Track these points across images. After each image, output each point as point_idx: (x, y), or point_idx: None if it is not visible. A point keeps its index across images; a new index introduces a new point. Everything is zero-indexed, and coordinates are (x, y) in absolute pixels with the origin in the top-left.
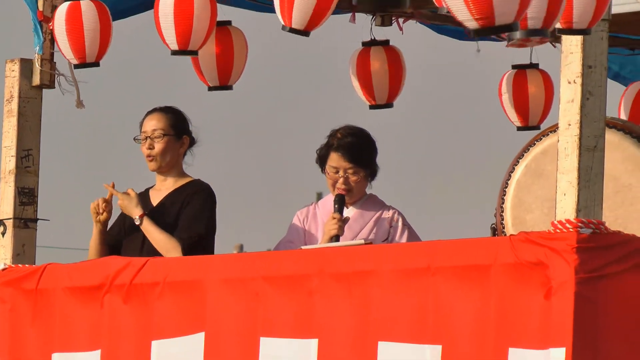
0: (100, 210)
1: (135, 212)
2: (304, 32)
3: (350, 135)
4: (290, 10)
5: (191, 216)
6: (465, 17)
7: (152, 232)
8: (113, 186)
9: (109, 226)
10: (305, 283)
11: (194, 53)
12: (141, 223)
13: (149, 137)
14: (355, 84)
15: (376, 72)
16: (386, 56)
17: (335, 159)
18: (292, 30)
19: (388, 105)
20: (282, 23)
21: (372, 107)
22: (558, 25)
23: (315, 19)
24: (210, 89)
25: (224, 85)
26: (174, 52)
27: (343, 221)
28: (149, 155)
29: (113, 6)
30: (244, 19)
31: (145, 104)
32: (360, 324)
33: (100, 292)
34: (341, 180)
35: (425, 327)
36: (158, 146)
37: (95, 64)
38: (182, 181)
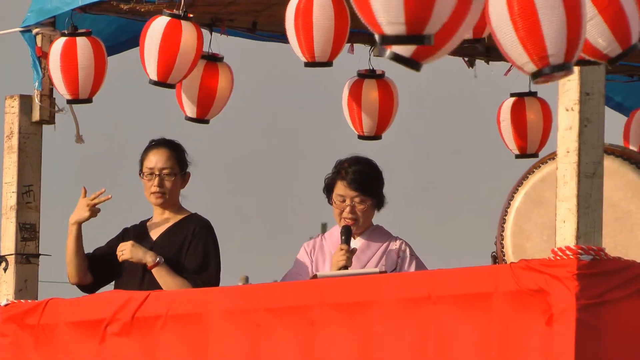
0: (95, 201)
1: (149, 257)
2: (327, 63)
3: (357, 164)
4: (310, 44)
5: (200, 259)
6: (524, 60)
7: (166, 278)
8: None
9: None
10: (307, 313)
11: (171, 87)
12: (155, 266)
13: (158, 174)
14: (346, 112)
15: (367, 104)
16: (378, 89)
17: (341, 188)
18: (315, 64)
19: (376, 137)
20: (303, 59)
21: (360, 137)
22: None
23: (335, 48)
24: (187, 119)
25: (200, 118)
26: (153, 83)
27: (351, 252)
28: (157, 192)
29: (108, 41)
30: (245, 48)
31: (145, 137)
32: (362, 353)
33: (102, 327)
34: (348, 209)
35: (426, 356)
36: (168, 184)
37: (88, 100)
38: (181, 215)
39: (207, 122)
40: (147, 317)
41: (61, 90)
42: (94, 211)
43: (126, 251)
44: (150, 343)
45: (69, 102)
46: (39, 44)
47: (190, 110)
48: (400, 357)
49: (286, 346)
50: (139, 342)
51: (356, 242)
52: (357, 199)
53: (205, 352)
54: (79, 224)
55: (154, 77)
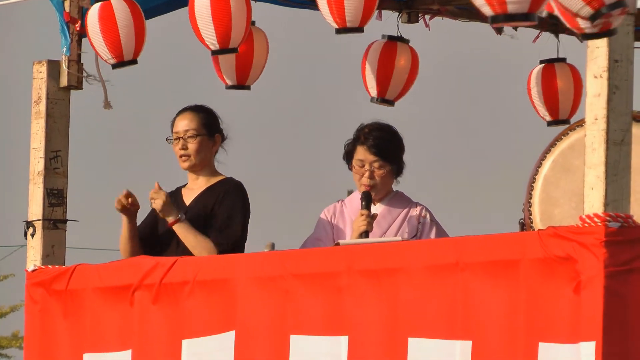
0: (128, 205)
1: (173, 216)
2: (358, 29)
3: (377, 129)
4: (341, 10)
5: (226, 217)
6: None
7: (186, 234)
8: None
9: (140, 220)
10: (335, 280)
11: (234, 51)
12: (175, 223)
13: (182, 137)
14: (370, 74)
15: (397, 68)
16: (411, 55)
17: (361, 153)
18: (347, 30)
19: (391, 102)
20: (335, 26)
21: (374, 100)
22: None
23: (366, 13)
24: (228, 87)
25: (241, 85)
26: (215, 52)
27: (372, 217)
28: (182, 155)
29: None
30: (271, 15)
31: (174, 103)
32: (390, 321)
33: (130, 292)
34: (367, 174)
35: (455, 323)
36: (191, 146)
37: (133, 61)
38: (214, 179)
39: (248, 88)
40: (174, 282)
41: (105, 56)
42: (124, 209)
43: (158, 201)
44: (178, 309)
45: (114, 66)
46: (67, 9)
47: (230, 78)
48: (428, 323)
49: (313, 312)
50: (166, 307)
51: (376, 208)
52: (376, 164)
53: (233, 318)
54: (130, 216)
55: (216, 47)
